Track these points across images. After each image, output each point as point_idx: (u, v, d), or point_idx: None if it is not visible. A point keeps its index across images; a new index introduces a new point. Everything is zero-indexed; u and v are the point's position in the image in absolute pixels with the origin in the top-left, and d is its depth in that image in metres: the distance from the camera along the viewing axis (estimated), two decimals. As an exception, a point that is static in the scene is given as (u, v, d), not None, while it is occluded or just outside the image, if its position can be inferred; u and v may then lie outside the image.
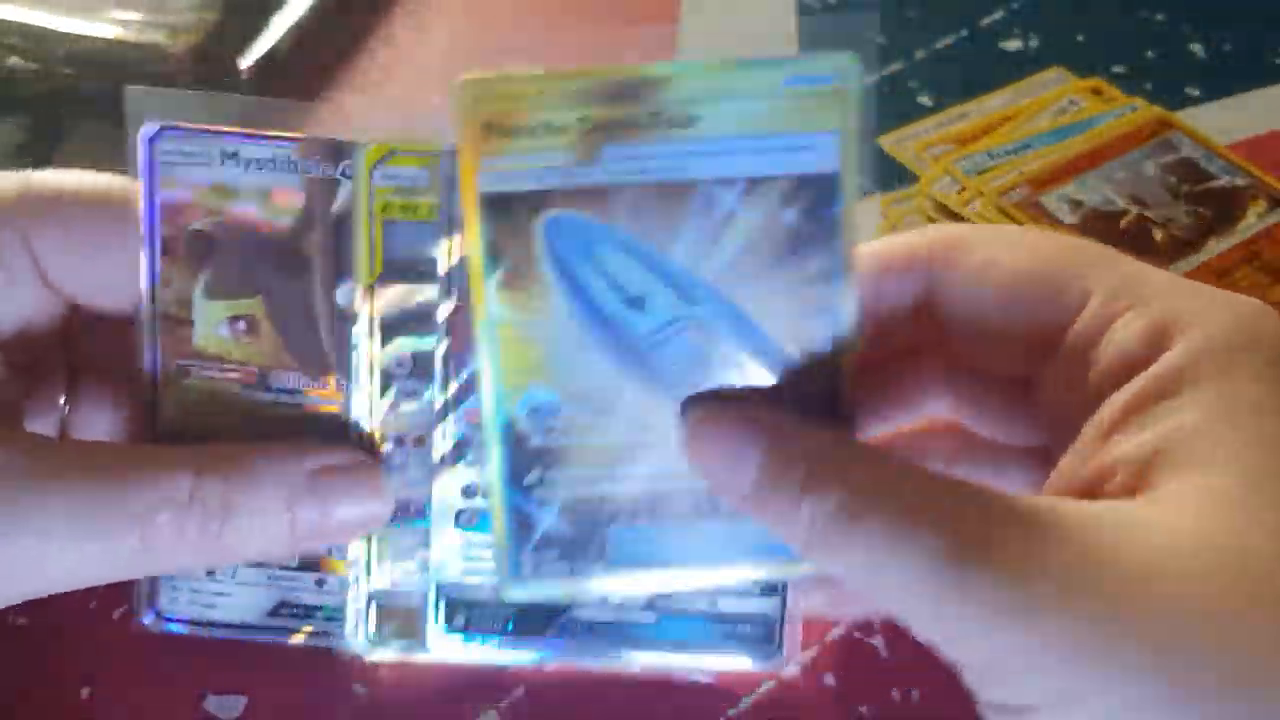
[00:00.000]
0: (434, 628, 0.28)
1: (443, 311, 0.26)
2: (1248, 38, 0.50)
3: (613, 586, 0.26)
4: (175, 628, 0.29)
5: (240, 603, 0.29)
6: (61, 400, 0.28)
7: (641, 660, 0.28)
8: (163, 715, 0.30)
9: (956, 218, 0.41)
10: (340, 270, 0.26)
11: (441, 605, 0.28)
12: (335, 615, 0.29)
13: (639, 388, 0.25)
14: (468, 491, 0.27)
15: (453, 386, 0.27)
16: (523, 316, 0.24)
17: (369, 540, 0.28)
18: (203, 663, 0.30)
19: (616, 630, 0.28)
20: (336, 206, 0.26)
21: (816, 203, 0.24)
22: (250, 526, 0.25)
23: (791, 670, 0.30)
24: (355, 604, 0.28)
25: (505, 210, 0.24)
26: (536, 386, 0.25)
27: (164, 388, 0.27)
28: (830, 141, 0.24)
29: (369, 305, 0.26)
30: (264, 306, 0.27)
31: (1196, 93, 0.47)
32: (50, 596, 0.31)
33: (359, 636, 0.28)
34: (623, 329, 0.25)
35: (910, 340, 0.27)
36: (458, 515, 0.27)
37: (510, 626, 0.28)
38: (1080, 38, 0.51)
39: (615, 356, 0.25)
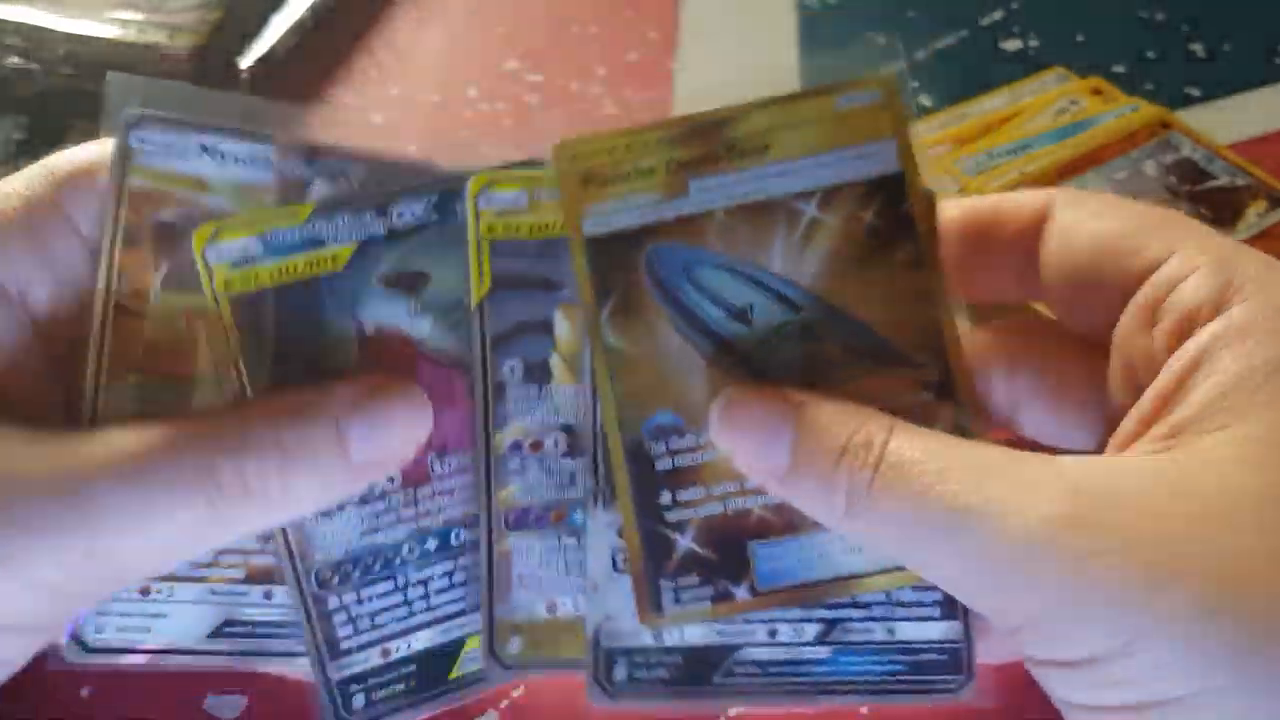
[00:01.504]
0: (595, 681, 0.26)
1: (587, 345, 0.26)
2: (1248, 38, 0.50)
3: (759, 607, 0.25)
4: (102, 658, 0.26)
5: (178, 625, 0.26)
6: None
7: (822, 705, 0.26)
8: (163, 715, 0.30)
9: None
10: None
11: (602, 656, 0.26)
12: (284, 632, 0.27)
13: None
14: (622, 533, 0.26)
15: (599, 421, 0.26)
16: (636, 344, 0.26)
17: (488, 550, 0.27)
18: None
19: (789, 669, 0.26)
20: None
21: (888, 201, 0.26)
22: (308, 461, 0.24)
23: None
24: (478, 621, 0.27)
25: (609, 249, 0.26)
26: (658, 410, 0.26)
27: (106, 386, 0.26)
28: (889, 147, 0.26)
29: (479, 321, 0.27)
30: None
31: (1197, 92, 0.47)
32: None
33: (491, 656, 0.27)
34: (733, 342, 0.26)
35: (1012, 296, 0.28)
36: (613, 555, 0.26)
37: (677, 674, 0.26)
38: (1080, 37, 0.51)
39: (729, 370, 0.25)
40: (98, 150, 0.27)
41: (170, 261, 0.26)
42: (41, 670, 0.30)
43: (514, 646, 0.27)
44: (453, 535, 0.27)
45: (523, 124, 0.48)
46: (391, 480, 0.27)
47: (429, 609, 0.27)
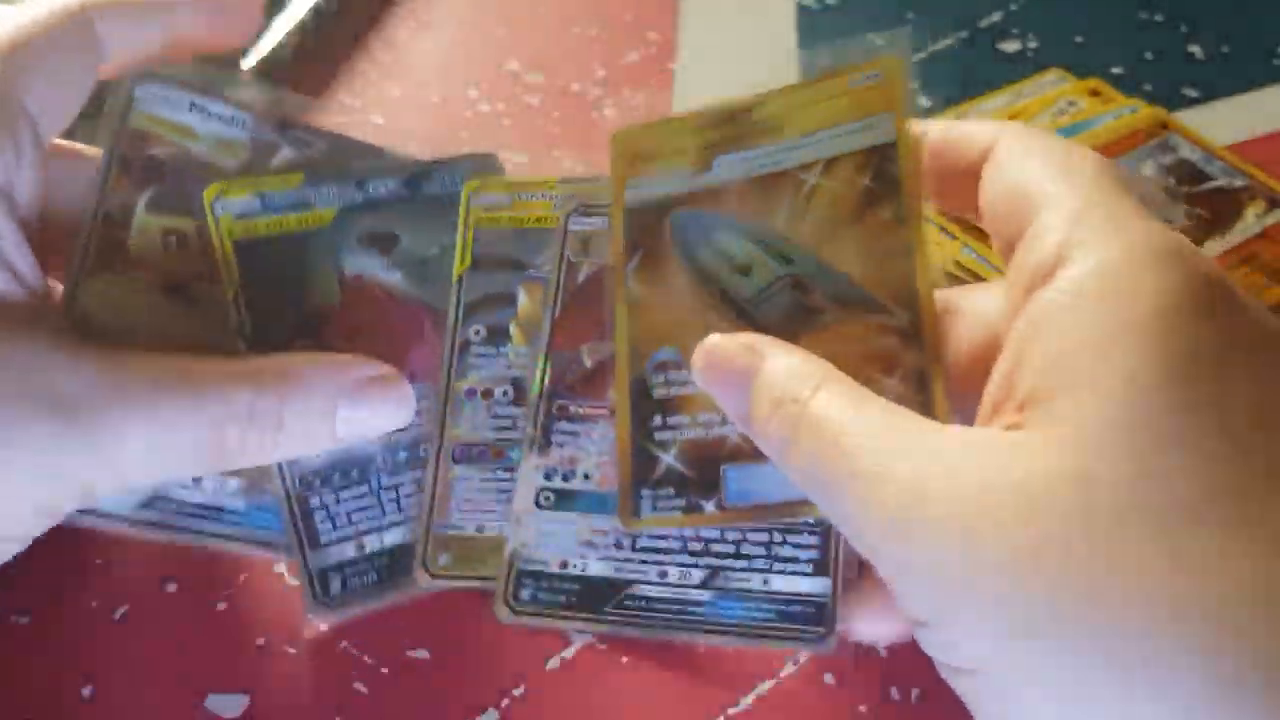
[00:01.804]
0: (502, 599, 0.29)
1: (546, 322, 0.31)
2: (1246, 39, 0.50)
3: (723, 521, 0.28)
4: None
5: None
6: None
7: (696, 641, 0.29)
8: (163, 715, 0.30)
9: (956, 218, 0.41)
10: None
11: (513, 577, 0.29)
12: (209, 514, 0.31)
13: None
14: (548, 475, 0.30)
15: (546, 383, 0.31)
16: (654, 293, 0.30)
17: (434, 477, 0.31)
18: (203, 662, 0.31)
19: (674, 607, 0.29)
20: (276, 161, 0.32)
21: (881, 165, 0.29)
22: (301, 433, 0.28)
23: (790, 669, 0.30)
24: (420, 537, 0.30)
25: (641, 215, 0.30)
26: (662, 347, 0.29)
27: (87, 278, 0.30)
28: (888, 119, 0.29)
29: (457, 291, 0.32)
30: (195, 227, 0.31)
31: (1195, 94, 0.47)
32: (51, 595, 0.32)
33: (422, 567, 0.30)
34: (733, 292, 0.29)
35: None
36: (537, 494, 0.30)
37: (574, 600, 0.29)
38: (1079, 39, 0.51)
39: (729, 315, 0.29)
40: (37, 17, 0.28)
41: (154, 189, 0.31)
42: (43, 671, 0.30)
43: (443, 560, 0.30)
44: (420, 448, 0.31)
45: (522, 124, 0.48)
46: None
47: (399, 510, 0.31)
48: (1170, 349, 0.21)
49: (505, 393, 0.31)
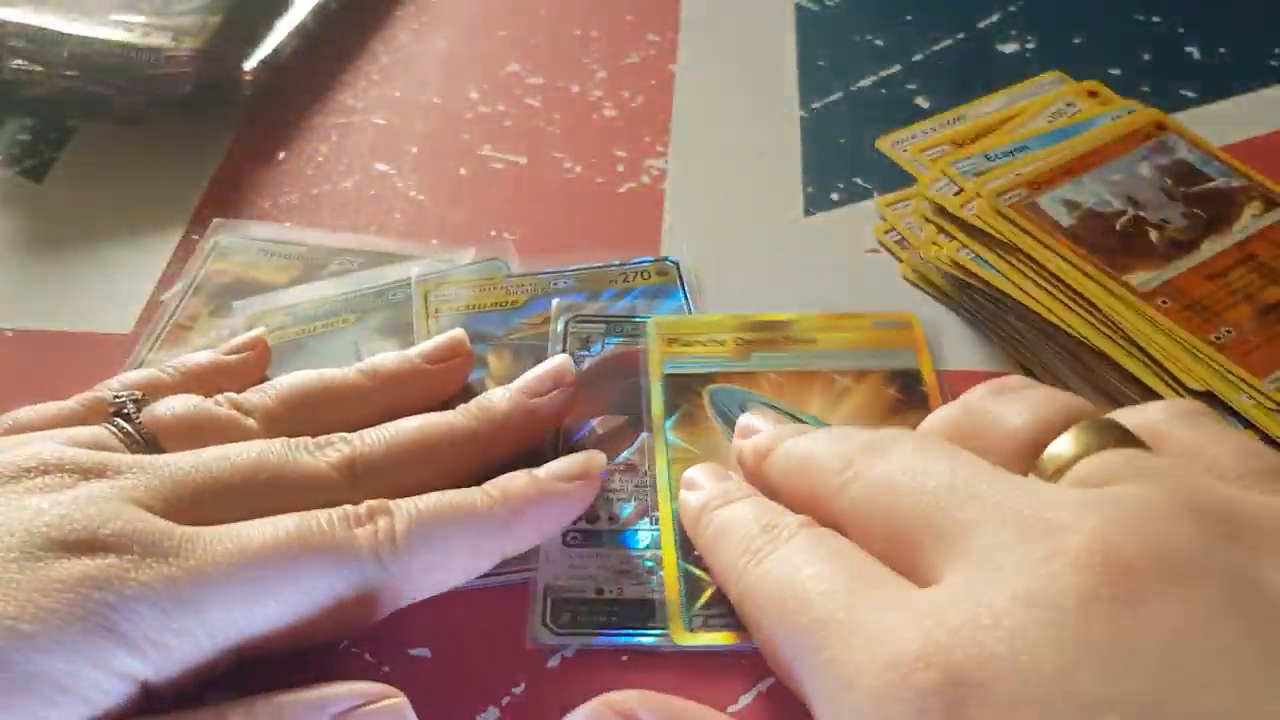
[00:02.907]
0: (543, 624, 0.31)
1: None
2: (1243, 40, 0.50)
3: None
4: None
5: None
6: None
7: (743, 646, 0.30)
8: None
9: (954, 219, 0.41)
10: None
11: (549, 605, 0.31)
12: None
13: None
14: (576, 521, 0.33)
15: (561, 446, 0.35)
16: (690, 442, 0.35)
17: None
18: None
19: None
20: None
21: (907, 383, 0.36)
22: None
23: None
24: None
25: (680, 382, 0.36)
26: None
27: None
28: (909, 353, 0.37)
29: None
30: None
31: (1192, 94, 0.48)
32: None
33: None
34: None
35: None
36: (565, 536, 0.33)
37: (615, 619, 0.31)
38: (1077, 40, 0.51)
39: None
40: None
41: None
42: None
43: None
44: None
45: (522, 125, 0.48)
46: None
47: None
48: None
49: None
